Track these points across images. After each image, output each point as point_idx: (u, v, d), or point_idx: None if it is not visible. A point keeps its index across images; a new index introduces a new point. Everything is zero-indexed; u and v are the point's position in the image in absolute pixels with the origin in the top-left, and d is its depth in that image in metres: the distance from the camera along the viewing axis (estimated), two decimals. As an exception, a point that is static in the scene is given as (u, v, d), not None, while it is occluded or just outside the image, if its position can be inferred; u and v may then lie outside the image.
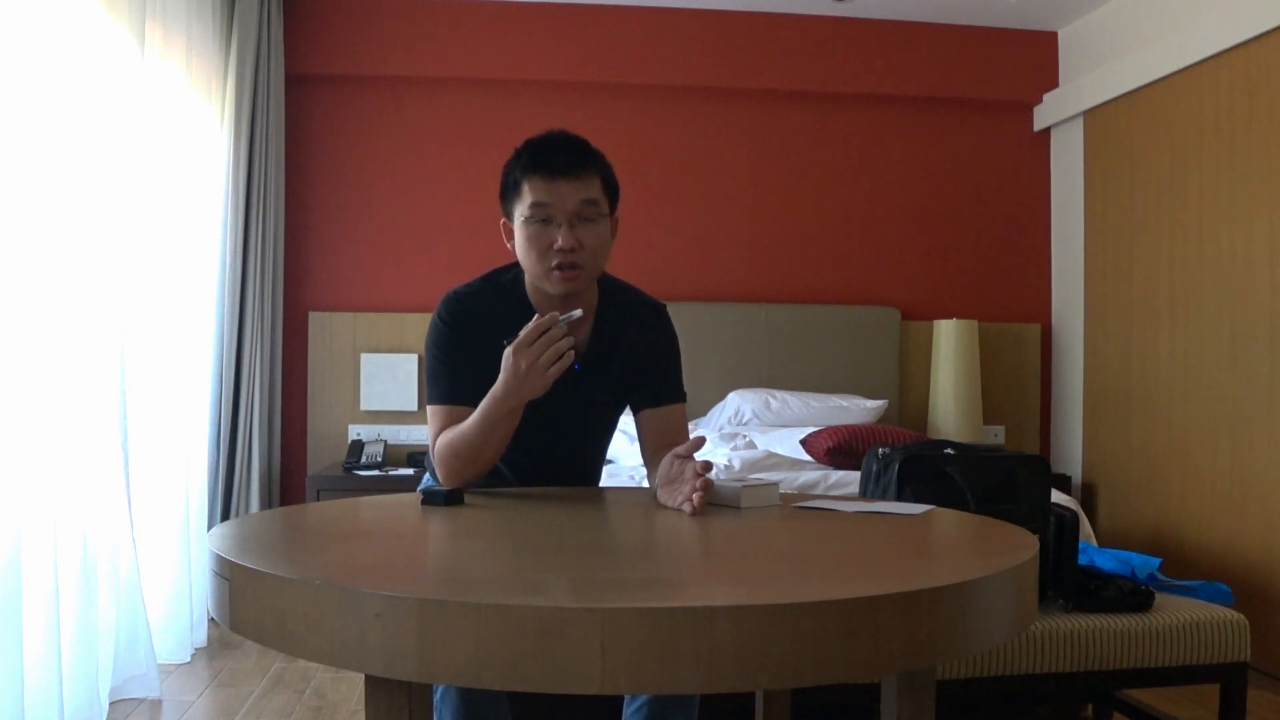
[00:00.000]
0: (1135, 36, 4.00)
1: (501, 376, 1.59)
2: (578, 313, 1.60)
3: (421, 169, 4.34)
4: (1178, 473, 3.77)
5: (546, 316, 1.56)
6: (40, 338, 2.32)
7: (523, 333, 1.56)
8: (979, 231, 4.62)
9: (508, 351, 1.57)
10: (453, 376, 1.74)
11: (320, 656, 0.98)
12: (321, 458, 4.24)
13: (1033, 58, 4.54)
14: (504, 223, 1.78)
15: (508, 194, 1.74)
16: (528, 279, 1.78)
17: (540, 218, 1.68)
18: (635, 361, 1.84)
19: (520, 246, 1.72)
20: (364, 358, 4.22)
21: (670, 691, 0.90)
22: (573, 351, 1.57)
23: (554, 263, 1.68)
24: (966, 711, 2.54)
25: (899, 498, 2.12)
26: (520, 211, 1.70)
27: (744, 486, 1.55)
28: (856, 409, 4.01)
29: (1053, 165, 4.64)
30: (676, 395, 1.87)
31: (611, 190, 1.76)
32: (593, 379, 1.80)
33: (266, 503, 3.89)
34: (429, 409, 1.77)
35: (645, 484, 2.58)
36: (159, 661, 2.95)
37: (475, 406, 1.68)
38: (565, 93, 4.38)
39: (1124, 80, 3.98)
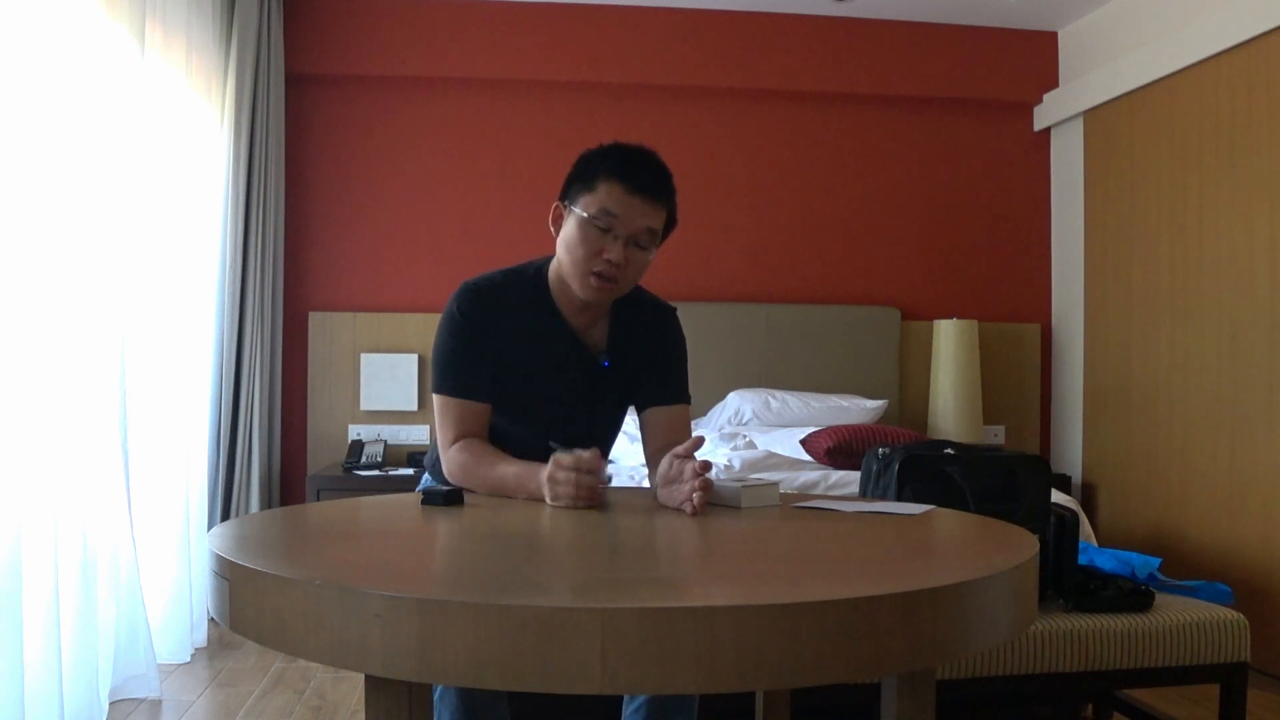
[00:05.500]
0: (1135, 36, 4.00)
1: (538, 482, 1.57)
2: (612, 478, 1.59)
3: (421, 169, 4.34)
4: (1178, 473, 3.77)
5: (591, 457, 1.52)
6: (40, 338, 2.32)
7: (566, 459, 1.53)
8: (979, 231, 4.62)
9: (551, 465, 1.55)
10: (467, 369, 1.74)
11: (320, 656, 0.98)
12: (321, 458, 4.24)
13: (1033, 58, 4.54)
14: (558, 206, 1.77)
15: (578, 184, 1.72)
16: (556, 272, 1.78)
17: (604, 225, 1.68)
18: (645, 361, 1.85)
19: (570, 238, 1.71)
20: (364, 358, 4.21)
21: (670, 691, 0.90)
22: (599, 477, 1.54)
23: (596, 269, 1.69)
24: (966, 711, 2.54)
25: (899, 498, 2.12)
26: (586, 207, 1.69)
27: (744, 486, 1.55)
28: (856, 409, 4.01)
29: (1053, 165, 4.64)
30: (681, 396, 1.89)
31: (669, 228, 1.78)
32: (608, 379, 1.81)
33: (266, 503, 3.89)
34: (437, 398, 1.75)
35: (645, 484, 2.58)
36: (159, 661, 2.95)
37: (488, 404, 1.73)
38: (565, 93, 4.38)
39: (1124, 80, 3.98)
